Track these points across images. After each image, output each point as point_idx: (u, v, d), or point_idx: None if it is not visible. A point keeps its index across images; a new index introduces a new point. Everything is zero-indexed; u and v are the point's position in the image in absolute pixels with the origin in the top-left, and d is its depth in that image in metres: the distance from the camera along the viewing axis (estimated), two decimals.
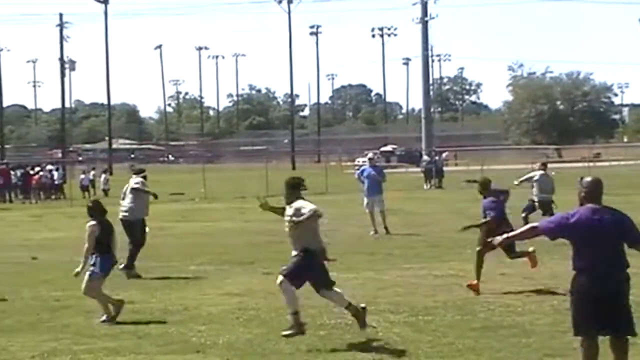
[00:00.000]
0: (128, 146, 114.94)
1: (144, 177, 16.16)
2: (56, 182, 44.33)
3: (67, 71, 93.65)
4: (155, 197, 16.36)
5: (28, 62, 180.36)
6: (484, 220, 12.98)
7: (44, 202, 41.40)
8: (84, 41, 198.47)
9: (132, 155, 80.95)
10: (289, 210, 10.07)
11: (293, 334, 9.91)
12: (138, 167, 16.89)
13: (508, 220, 13.12)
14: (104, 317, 11.26)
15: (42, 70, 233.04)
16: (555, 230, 7.67)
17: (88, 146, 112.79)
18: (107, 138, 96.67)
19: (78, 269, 11.55)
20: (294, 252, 10.05)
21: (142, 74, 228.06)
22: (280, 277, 9.93)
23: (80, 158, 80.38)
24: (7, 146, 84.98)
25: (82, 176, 46.90)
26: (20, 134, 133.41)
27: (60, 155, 79.08)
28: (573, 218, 7.55)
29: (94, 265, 11.39)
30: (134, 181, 16.00)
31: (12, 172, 43.35)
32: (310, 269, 9.93)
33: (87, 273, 11.43)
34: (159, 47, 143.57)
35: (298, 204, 10.03)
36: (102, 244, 11.45)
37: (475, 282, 12.71)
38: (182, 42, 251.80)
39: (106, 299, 11.43)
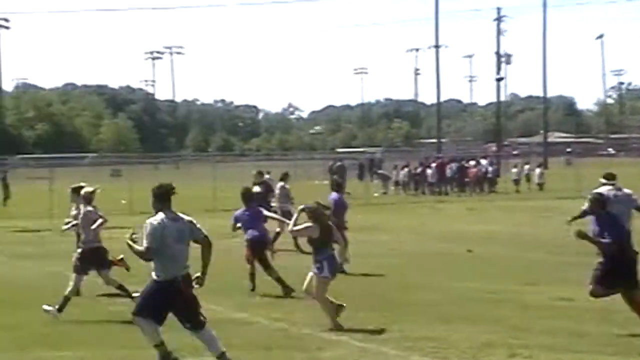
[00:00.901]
0: (564, 139, 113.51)
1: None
2: (489, 176, 45.02)
3: (502, 65, 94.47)
4: None
5: (464, 57, 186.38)
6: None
7: (479, 195, 42.20)
8: (521, 34, 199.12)
9: (569, 149, 79.38)
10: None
11: None
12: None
13: None
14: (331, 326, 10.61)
15: (478, 64, 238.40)
16: None
17: (523, 140, 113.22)
18: (542, 131, 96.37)
19: None
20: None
21: (581, 64, 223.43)
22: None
23: (514, 152, 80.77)
24: (443, 140, 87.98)
25: (514, 170, 47.19)
26: (457, 128, 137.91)
27: (494, 149, 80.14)
28: None
29: (319, 267, 10.81)
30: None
31: (447, 166, 44.84)
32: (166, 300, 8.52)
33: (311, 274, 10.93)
34: (600, 36, 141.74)
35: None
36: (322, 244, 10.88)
37: None
38: (626, 30, 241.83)
39: (329, 306, 10.77)
